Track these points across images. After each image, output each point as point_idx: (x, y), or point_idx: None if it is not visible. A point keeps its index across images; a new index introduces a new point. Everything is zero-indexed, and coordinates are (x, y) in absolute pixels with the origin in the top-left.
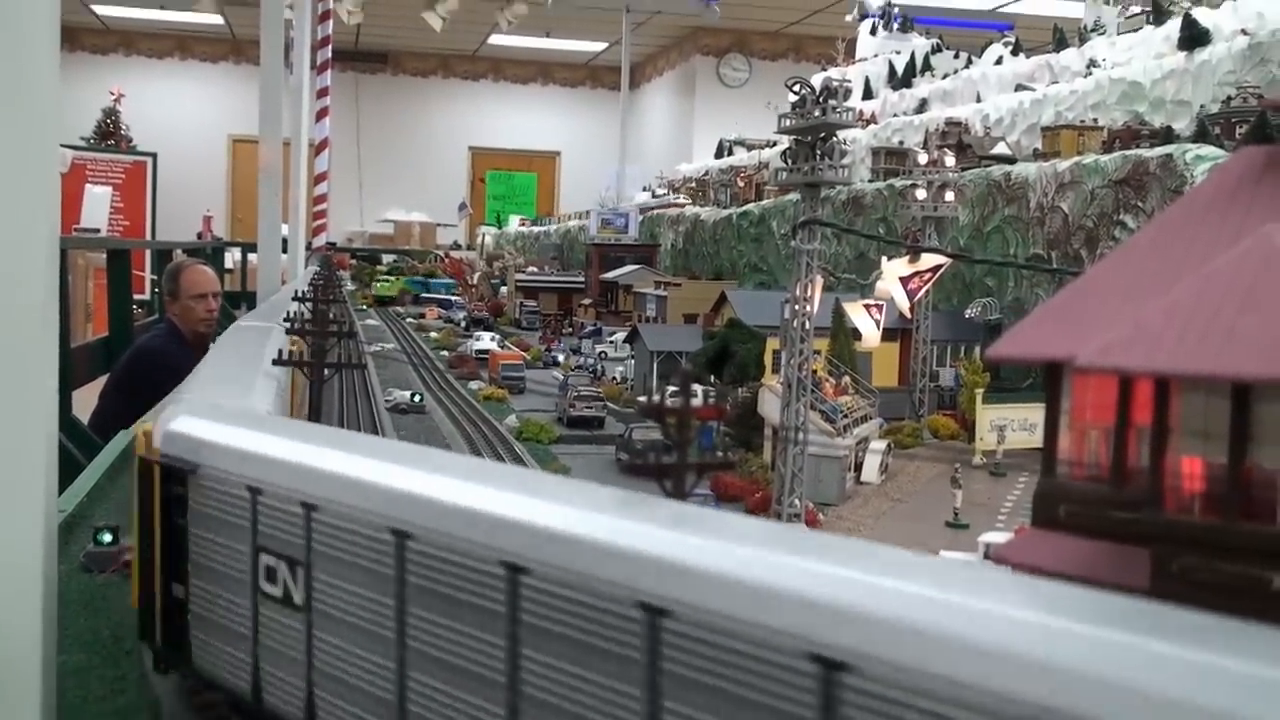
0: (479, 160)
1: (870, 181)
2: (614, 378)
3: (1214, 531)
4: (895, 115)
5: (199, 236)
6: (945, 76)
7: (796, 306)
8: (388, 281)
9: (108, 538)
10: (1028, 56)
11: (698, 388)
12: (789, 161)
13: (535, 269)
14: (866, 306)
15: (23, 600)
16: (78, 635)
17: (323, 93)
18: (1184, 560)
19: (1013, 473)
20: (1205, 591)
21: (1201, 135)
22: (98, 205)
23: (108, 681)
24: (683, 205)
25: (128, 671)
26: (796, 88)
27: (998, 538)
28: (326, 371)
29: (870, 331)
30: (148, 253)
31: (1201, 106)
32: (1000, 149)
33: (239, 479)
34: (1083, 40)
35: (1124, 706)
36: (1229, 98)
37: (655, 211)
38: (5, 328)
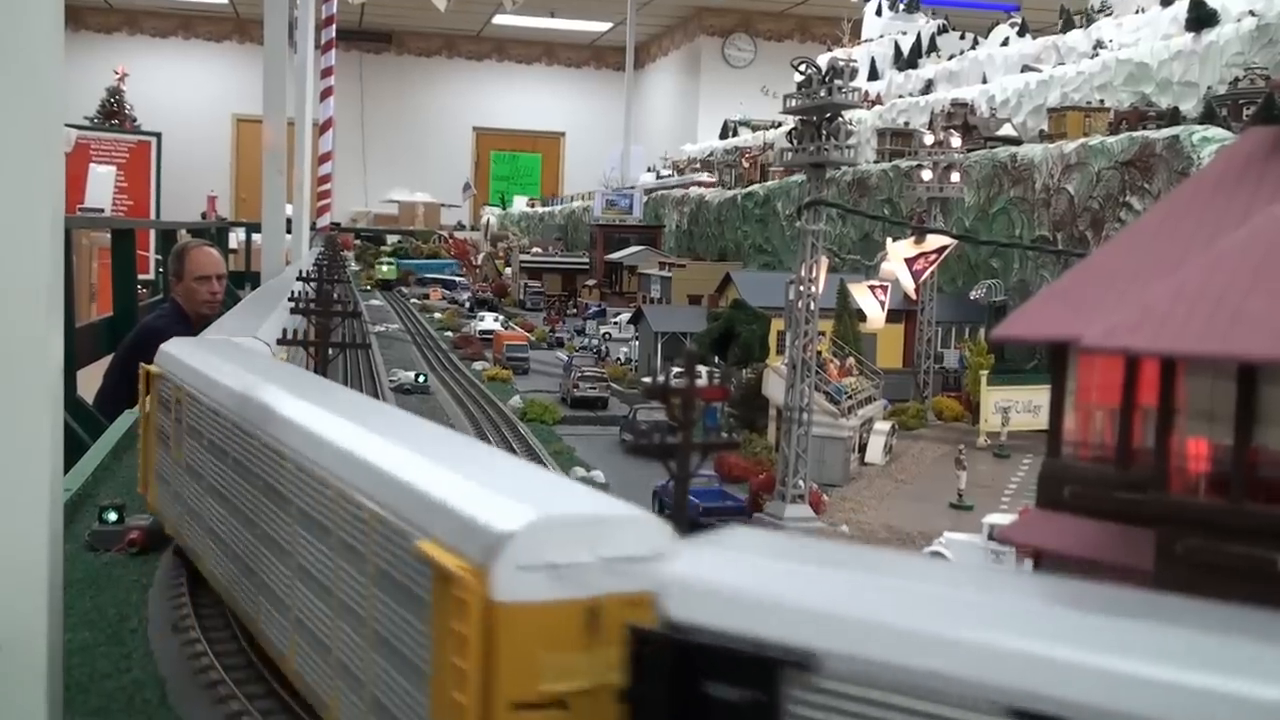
0: (483, 141)
1: (875, 162)
2: (618, 359)
3: (1219, 513)
4: (901, 96)
5: (203, 216)
6: (951, 57)
7: (801, 287)
8: (389, 265)
9: (113, 516)
10: (1034, 37)
11: (702, 369)
12: (794, 142)
13: (539, 250)
14: (871, 288)
15: (29, 579)
16: (83, 614)
17: (327, 72)
18: (1189, 541)
19: (1017, 454)
20: (1210, 573)
21: (1208, 117)
22: (102, 185)
23: (114, 659)
24: (709, 184)
25: (133, 649)
26: (802, 68)
27: (1002, 519)
28: (331, 351)
29: (875, 313)
30: (152, 233)
31: (1209, 88)
32: (1006, 130)
33: (995, 693)
34: (1089, 21)
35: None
36: (1236, 79)
37: (659, 192)
38: (11, 308)
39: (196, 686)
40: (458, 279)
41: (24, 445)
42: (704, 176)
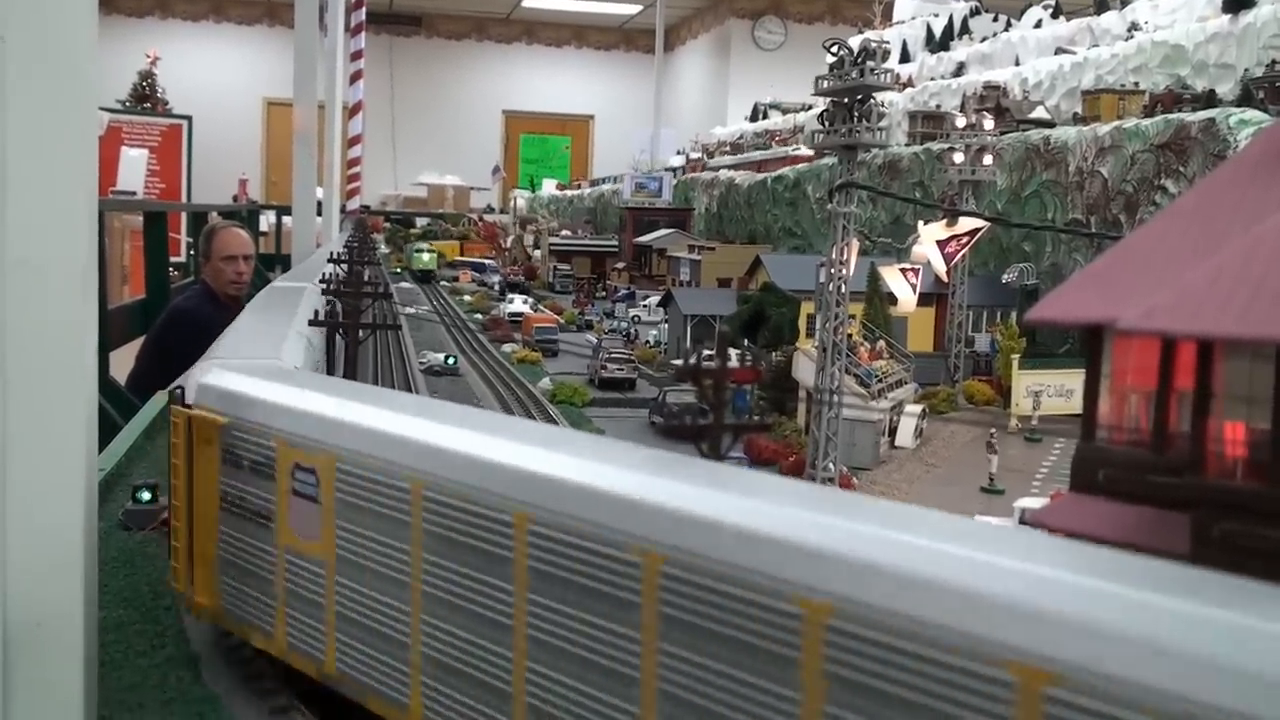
0: (512, 124)
1: (907, 145)
2: (647, 341)
3: (1257, 497)
4: (933, 78)
5: (234, 199)
6: (983, 39)
7: (832, 270)
8: (430, 253)
9: (146, 496)
10: (1067, 19)
11: (732, 351)
12: (826, 124)
13: (568, 233)
14: (902, 271)
15: (65, 558)
16: (117, 591)
17: (357, 55)
18: (1225, 526)
19: (1048, 438)
20: (1247, 557)
21: (1245, 99)
22: (134, 168)
23: (147, 636)
24: (805, 158)
25: (167, 626)
26: (834, 49)
27: (1033, 503)
28: (362, 332)
29: (906, 296)
30: (184, 215)
31: (1246, 70)
32: (1039, 113)
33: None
34: (1124, 3)
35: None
36: (1274, 61)
37: (690, 175)
38: (47, 290)
39: (229, 664)
40: (487, 262)
41: (59, 426)
42: (801, 150)
